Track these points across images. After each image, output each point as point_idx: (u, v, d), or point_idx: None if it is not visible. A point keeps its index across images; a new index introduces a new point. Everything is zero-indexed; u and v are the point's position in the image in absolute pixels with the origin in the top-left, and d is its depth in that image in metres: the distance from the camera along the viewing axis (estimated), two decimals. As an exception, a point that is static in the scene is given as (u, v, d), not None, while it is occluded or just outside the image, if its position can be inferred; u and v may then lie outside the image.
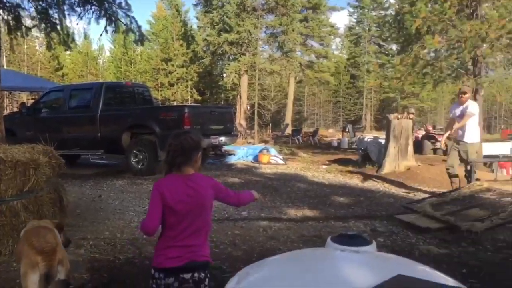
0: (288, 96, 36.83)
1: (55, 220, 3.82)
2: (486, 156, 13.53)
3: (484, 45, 12.22)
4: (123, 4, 7.60)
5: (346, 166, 12.93)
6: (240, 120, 29.42)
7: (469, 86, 13.33)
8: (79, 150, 10.78)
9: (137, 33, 7.55)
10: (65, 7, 7.08)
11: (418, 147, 15.79)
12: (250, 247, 4.98)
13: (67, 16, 7.36)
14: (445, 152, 19.38)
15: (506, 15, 11.37)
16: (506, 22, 11.27)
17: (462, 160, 7.95)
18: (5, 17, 7.59)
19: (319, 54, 35.05)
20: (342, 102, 53.05)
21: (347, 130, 25.50)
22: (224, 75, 37.02)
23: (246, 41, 30.99)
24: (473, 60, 12.74)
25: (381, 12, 39.20)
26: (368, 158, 13.14)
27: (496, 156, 13.87)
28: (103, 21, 7.19)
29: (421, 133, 21.15)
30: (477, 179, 7.92)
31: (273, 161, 13.48)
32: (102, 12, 6.99)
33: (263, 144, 18.93)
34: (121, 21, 7.25)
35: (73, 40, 8.38)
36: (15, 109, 23.63)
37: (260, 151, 13.82)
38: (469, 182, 7.70)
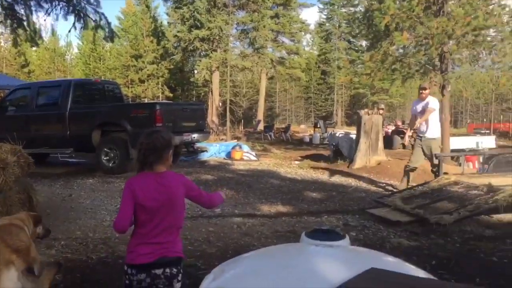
0: (259, 93, 36.89)
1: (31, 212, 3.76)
2: (453, 150, 13.88)
3: (451, 41, 12.50)
4: (92, 0, 7.48)
5: (318, 161, 13.05)
6: (212, 117, 29.34)
7: (436, 81, 13.66)
8: (48, 148, 10.56)
9: (107, 30, 7.42)
10: (32, 3, 6.91)
11: (388, 142, 16.08)
12: (225, 244, 4.99)
13: (34, 12, 7.18)
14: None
15: (471, 12, 11.64)
16: (471, 19, 11.55)
17: (426, 155, 8.13)
18: (-32, 13, 7.37)
19: (290, 51, 35.21)
20: (313, 98, 53.47)
21: (318, 126, 25.72)
22: (196, 71, 36.82)
23: (217, 37, 30.88)
24: (440, 56, 13.00)
25: (351, 9, 39.47)
26: (339, 153, 13.30)
27: (463, 150, 14.26)
28: (71, 18, 7.05)
29: (390, 128, 21.52)
30: (445, 173, 8.12)
31: (246, 157, 13.50)
32: (71, 8, 6.84)
33: (236, 140, 18.94)
34: (90, 18, 7.12)
35: (40, 36, 8.18)
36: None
37: (233, 148, 13.82)
38: (436, 176, 7.90)
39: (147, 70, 37.42)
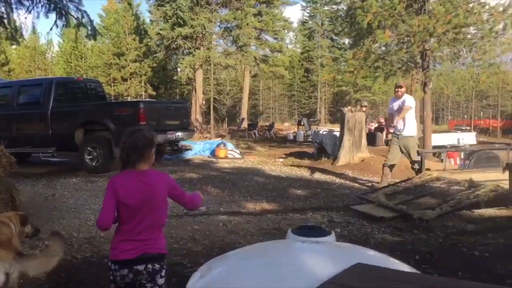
0: (243, 90, 36.84)
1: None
2: (435, 147, 14.07)
3: (432, 39, 12.66)
4: (74, -3, 7.36)
5: (302, 159, 13.12)
6: (196, 115, 29.23)
7: (418, 79, 13.82)
8: (30, 148, 10.44)
9: (89, 28, 7.33)
10: (13, 1, 6.79)
11: (371, 139, 16.21)
12: (210, 242, 5.00)
13: (14, 10, 7.06)
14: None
15: (452, 11, 11.80)
16: (452, 17, 11.70)
17: (403, 153, 8.21)
18: None
19: (273, 48, 35.19)
20: (297, 96, 53.61)
21: (302, 123, 25.81)
22: (179, 69, 36.60)
23: (201, 35, 30.74)
24: (422, 54, 13.15)
25: (334, 6, 39.58)
26: (323, 150, 13.38)
27: (444, 147, 14.46)
28: (52, 15, 6.95)
29: (373, 125, 21.69)
30: (427, 169, 8.25)
31: (230, 155, 13.51)
32: (52, 6, 6.73)
33: (220, 138, 18.93)
34: (72, 15, 7.02)
35: (21, 35, 8.05)
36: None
37: (217, 146, 13.82)
38: (418, 173, 8.00)
39: (130, 68, 37.10)
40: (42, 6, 6.84)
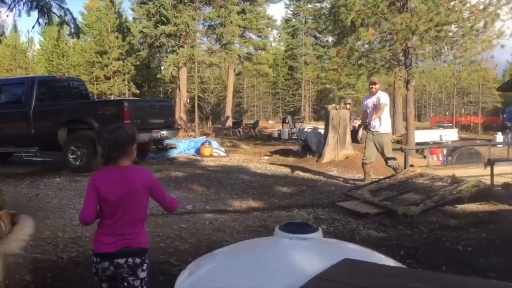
0: (227, 88, 36.77)
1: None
2: (418, 143, 14.22)
3: (414, 37, 12.78)
4: (57, -5, 7.26)
5: (287, 156, 13.17)
6: (180, 113, 29.09)
7: (401, 76, 13.95)
8: (13, 147, 10.31)
9: (72, 26, 7.25)
10: (-6, -2, 6.70)
11: (355, 136, 16.31)
12: (197, 240, 5.00)
13: (-4, 8, 6.95)
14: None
15: (434, 9, 11.93)
16: (434, 15, 11.83)
17: (378, 150, 8.28)
18: None
19: (257, 46, 35.18)
20: (281, 94, 53.70)
21: (287, 121, 25.88)
22: (162, 67, 36.38)
23: (184, 33, 30.59)
24: (404, 51, 13.28)
25: (317, 4, 39.84)
26: (308, 148, 13.44)
27: (427, 143, 14.63)
28: (34, 13, 6.85)
29: (357, 122, 21.82)
30: (411, 165, 8.35)
31: (215, 153, 13.50)
32: (34, 4, 6.65)
33: (205, 137, 18.89)
34: (54, 13, 6.94)
35: (3, 33, 7.93)
36: None
37: (202, 144, 13.80)
38: (394, 170, 8.09)
39: (113, 66, 36.76)
40: (24, 4, 6.75)
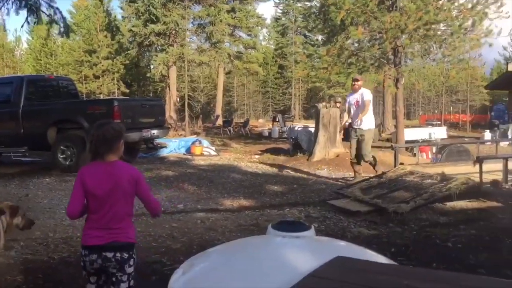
0: (217, 87, 36.74)
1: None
2: (407, 141, 14.33)
3: (403, 36, 12.89)
4: (46, -6, 7.21)
5: (278, 155, 13.19)
6: (170, 113, 29.00)
7: (391, 75, 14.03)
8: (2, 147, 10.21)
9: (62, 25, 7.19)
10: (-18, -2, 6.61)
11: (346, 135, 16.38)
12: (189, 239, 5.00)
13: (-16, 7, 6.86)
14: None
15: (423, 8, 12.04)
16: (422, 14, 11.94)
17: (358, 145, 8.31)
18: None
19: (247, 45, 35.19)
20: (271, 92, 53.74)
21: (277, 120, 25.93)
22: (152, 66, 36.26)
23: (174, 32, 30.50)
24: (394, 50, 13.38)
25: (307, 3, 39.84)
26: (299, 146, 13.47)
27: (417, 141, 14.74)
28: (23, 12, 6.77)
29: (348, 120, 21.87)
30: (401, 163, 8.40)
31: (206, 152, 13.50)
32: (23, 3, 6.58)
33: (195, 136, 18.86)
34: (44, 12, 6.88)
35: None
36: None
37: (193, 143, 13.79)
38: (371, 165, 8.13)
39: (102, 65, 36.57)
40: (12, 2, 6.68)
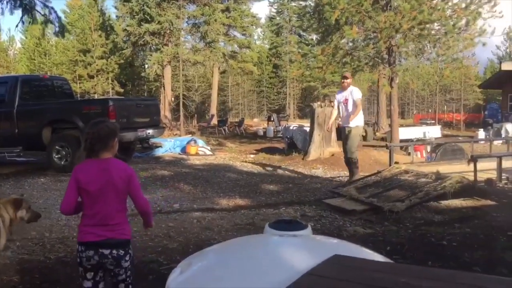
0: (212, 87, 36.71)
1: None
2: (402, 140, 14.39)
3: (398, 35, 12.93)
4: (41, -7, 7.17)
5: (273, 154, 13.21)
6: (165, 112, 28.96)
7: (385, 74, 14.06)
8: (-5, 148, 10.17)
9: (57, 25, 7.16)
10: (-24, -3, 6.57)
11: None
12: (186, 239, 5.01)
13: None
14: (364, 138, 20.27)
15: (417, 7, 12.08)
16: (417, 13, 11.99)
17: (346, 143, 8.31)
18: None
19: (241, 44, 35.17)
20: (266, 92, 53.75)
21: (272, 119, 25.94)
22: (146, 66, 36.20)
23: (168, 31, 30.45)
24: (388, 49, 13.42)
25: (301, 3, 39.96)
26: (294, 146, 13.51)
27: (411, 140, 14.80)
28: (18, 12, 6.74)
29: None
30: (396, 162, 8.44)
31: (201, 152, 13.49)
32: (18, 2, 6.54)
33: (190, 135, 18.85)
34: (38, 12, 6.85)
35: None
36: None
37: (188, 143, 13.77)
38: (348, 164, 8.14)
39: (96, 65, 36.46)
40: (7, 2, 6.65)
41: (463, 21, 12.61)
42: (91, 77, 37.29)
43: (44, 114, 9.99)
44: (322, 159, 11.15)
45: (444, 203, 6.43)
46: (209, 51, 31.69)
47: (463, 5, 12.62)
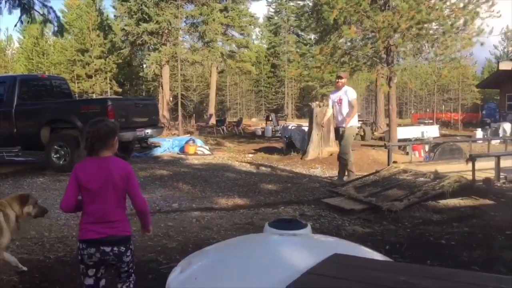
0: (210, 86, 36.69)
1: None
2: (400, 140, 14.41)
3: (396, 35, 12.94)
4: (40, -7, 7.16)
5: (271, 154, 13.22)
6: (163, 112, 28.95)
7: (383, 74, 14.07)
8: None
9: (56, 24, 7.16)
10: (-25, -3, 6.55)
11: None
12: (185, 238, 5.01)
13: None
14: (362, 137, 20.30)
15: (415, 7, 12.09)
16: (415, 13, 12.00)
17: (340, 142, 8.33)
18: None
19: (240, 44, 35.17)
20: (264, 91, 53.75)
21: (270, 119, 25.96)
22: (144, 66, 36.16)
23: (166, 31, 30.43)
24: (386, 49, 13.43)
25: (299, 2, 39.92)
26: (292, 145, 13.52)
27: (409, 140, 14.82)
28: (17, 11, 6.73)
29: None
30: (394, 162, 8.46)
31: (200, 152, 13.50)
32: (16, 2, 6.54)
33: (188, 135, 18.86)
34: (37, 11, 6.84)
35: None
36: None
37: (186, 143, 13.78)
38: (342, 166, 8.16)
39: (94, 65, 36.42)
40: (6, 2, 6.64)
41: (461, 21, 12.62)
42: (89, 76, 37.25)
43: (42, 114, 10.00)
44: (320, 158, 11.17)
45: (443, 202, 6.44)
46: (207, 51, 31.68)
47: (461, 5, 12.64)
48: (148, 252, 4.46)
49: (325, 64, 14.26)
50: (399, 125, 20.08)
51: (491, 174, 6.96)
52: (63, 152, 9.71)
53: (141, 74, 38.15)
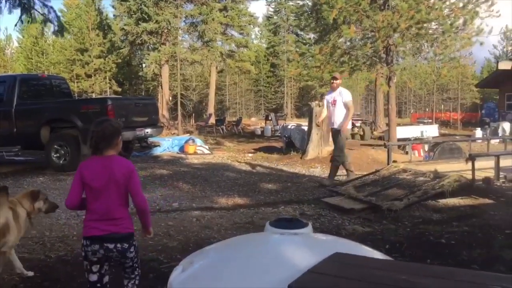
0: (209, 86, 36.68)
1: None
2: (399, 139, 14.42)
3: (396, 34, 12.95)
4: (40, -7, 7.15)
5: (271, 153, 13.24)
6: (163, 111, 28.94)
7: (383, 73, 14.07)
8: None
9: (56, 24, 7.15)
10: (-25, -3, 6.55)
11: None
12: (185, 237, 5.02)
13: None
14: (362, 137, 20.31)
15: (415, 6, 12.11)
16: (414, 13, 12.01)
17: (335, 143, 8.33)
18: None
19: (239, 43, 35.17)
20: (263, 91, 53.75)
21: (270, 118, 25.97)
22: (144, 65, 36.14)
23: (166, 30, 30.42)
24: (386, 49, 13.44)
25: (299, 2, 39.86)
26: (292, 145, 13.53)
27: (409, 139, 14.83)
28: (17, 11, 6.73)
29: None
30: (394, 161, 8.48)
31: (199, 151, 13.51)
32: (17, 1, 6.54)
33: (188, 134, 18.87)
34: (37, 11, 6.84)
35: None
36: None
37: (186, 142, 13.79)
38: (333, 162, 8.18)
39: (94, 64, 36.40)
40: (6, 1, 6.64)
41: (461, 21, 12.64)
42: (89, 76, 37.24)
43: (42, 113, 9.99)
44: (320, 158, 11.18)
45: (442, 201, 6.45)
46: (207, 50, 31.68)
47: (461, 5, 12.66)
48: (149, 251, 4.47)
49: (325, 63, 14.27)
50: (399, 124, 20.11)
51: (491, 174, 6.98)
52: (63, 152, 9.71)
53: (140, 73, 38.15)
